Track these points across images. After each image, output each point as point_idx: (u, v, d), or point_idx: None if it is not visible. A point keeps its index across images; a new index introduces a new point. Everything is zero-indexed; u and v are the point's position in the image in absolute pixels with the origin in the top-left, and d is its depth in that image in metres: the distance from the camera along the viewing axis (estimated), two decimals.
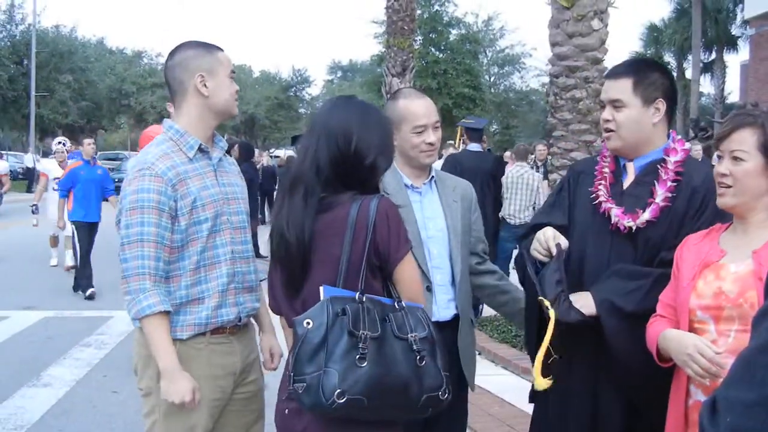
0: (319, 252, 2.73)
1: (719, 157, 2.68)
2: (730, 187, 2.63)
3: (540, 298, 3.00)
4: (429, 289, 3.47)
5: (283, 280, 2.82)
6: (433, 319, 3.44)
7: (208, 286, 3.16)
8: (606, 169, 3.28)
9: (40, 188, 14.34)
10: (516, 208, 10.84)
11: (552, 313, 2.93)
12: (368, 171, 2.78)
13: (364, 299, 2.62)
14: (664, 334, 2.66)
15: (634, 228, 3.10)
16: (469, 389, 3.70)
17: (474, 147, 9.96)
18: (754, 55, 28.35)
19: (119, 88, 57.53)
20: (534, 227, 3.32)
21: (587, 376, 3.15)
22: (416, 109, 3.55)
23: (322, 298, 2.61)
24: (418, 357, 2.64)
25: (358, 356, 2.52)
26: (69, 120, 52.17)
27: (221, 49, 3.30)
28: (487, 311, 8.42)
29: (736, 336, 2.53)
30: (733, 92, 46.30)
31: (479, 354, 7.24)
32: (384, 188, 3.52)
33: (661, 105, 3.17)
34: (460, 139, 13.45)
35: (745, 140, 2.58)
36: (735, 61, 49.43)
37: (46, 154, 36.42)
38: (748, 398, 1.37)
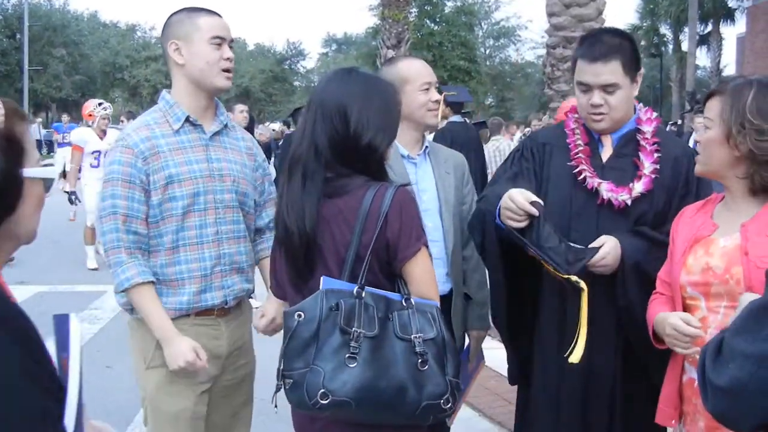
0: (326, 239, 2.54)
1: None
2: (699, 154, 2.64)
3: (566, 276, 2.82)
4: None
5: (287, 267, 2.64)
6: None
7: (187, 267, 3.05)
8: (580, 142, 3.17)
9: (74, 168, 10.96)
10: None
11: (584, 286, 2.81)
12: (366, 149, 2.54)
13: (363, 294, 2.43)
14: (655, 320, 2.63)
15: (629, 202, 3.03)
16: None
17: (456, 118, 9.89)
18: (750, 28, 28.23)
19: (113, 61, 57.36)
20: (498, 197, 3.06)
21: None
22: (419, 67, 3.54)
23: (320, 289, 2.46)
24: (419, 360, 2.41)
25: (347, 355, 2.34)
26: (63, 94, 52.05)
27: (211, 14, 3.11)
28: None
29: (726, 312, 2.46)
30: (730, 65, 46.21)
31: None
32: None
33: (639, 77, 3.13)
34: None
35: (712, 108, 2.55)
36: (732, 33, 49.36)
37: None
38: (747, 350, 1.49)
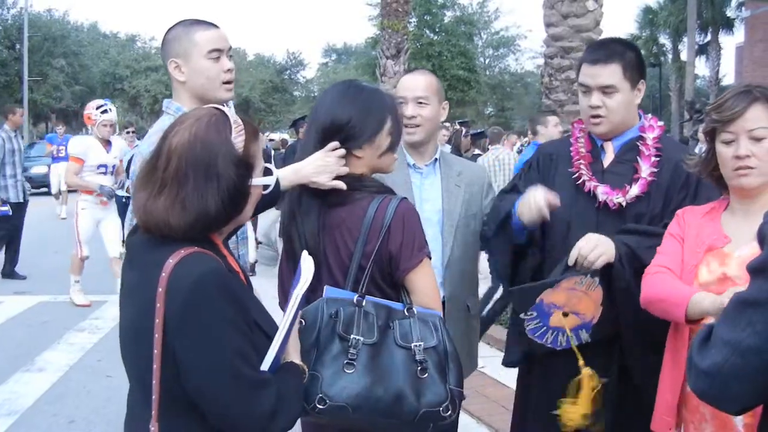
0: (330, 249, 2.61)
1: (728, 141, 2.57)
2: (752, 168, 2.54)
3: (581, 364, 2.96)
4: None
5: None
6: None
7: None
8: (582, 149, 3.28)
9: (77, 183, 9.33)
10: (496, 190, 10.82)
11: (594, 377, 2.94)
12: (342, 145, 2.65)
13: (363, 303, 2.49)
14: (692, 300, 2.48)
15: (624, 204, 3.10)
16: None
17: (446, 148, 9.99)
18: (749, 37, 28.35)
19: (113, 72, 57.27)
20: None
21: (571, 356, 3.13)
22: (402, 82, 3.64)
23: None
24: (419, 368, 2.45)
25: (345, 362, 2.39)
26: (62, 105, 52.02)
27: (206, 26, 3.14)
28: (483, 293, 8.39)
29: None
30: (728, 74, 46.27)
31: None
32: None
33: (642, 86, 3.23)
34: None
35: (761, 117, 2.52)
36: (730, 42, 49.45)
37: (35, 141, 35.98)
38: (726, 336, 1.62)
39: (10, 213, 11.04)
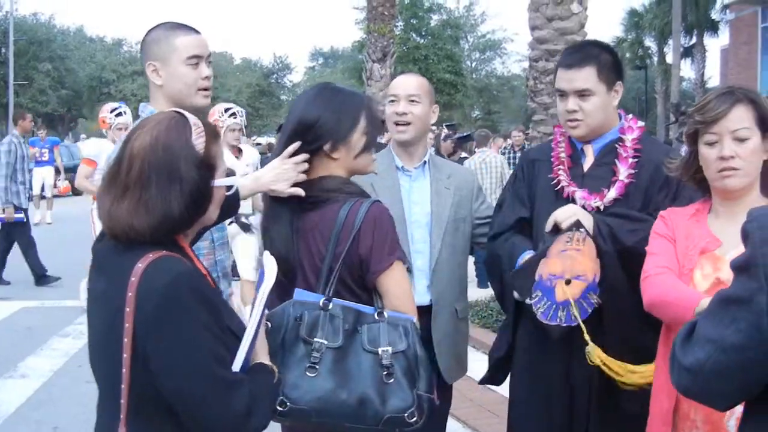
0: (305, 252, 2.61)
1: (711, 143, 2.56)
2: (736, 169, 2.53)
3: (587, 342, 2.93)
4: (409, 270, 3.44)
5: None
6: None
7: None
8: (562, 154, 3.28)
9: (86, 186, 8.88)
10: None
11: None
12: (315, 146, 2.64)
13: (330, 306, 2.48)
14: (703, 303, 2.40)
15: (602, 207, 3.11)
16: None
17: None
18: (733, 40, 28.48)
19: (99, 76, 57.05)
20: (505, 228, 3.35)
21: (562, 356, 3.14)
22: (395, 82, 3.69)
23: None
24: (385, 373, 2.42)
25: (308, 365, 2.38)
26: (48, 109, 51.78)
27: (187, 31, 3.11)
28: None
29: None
30: (714, 77, 46.40)
31: None
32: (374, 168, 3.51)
33: (619, 87, 3.23)
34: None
35: (744, 117, 2.52)
36: (715, 45, 49.69)
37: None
38: (709, 334, 1.63)
39: (24, 220, 11.07)
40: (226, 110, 8.17)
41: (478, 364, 4.46)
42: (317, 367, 2.38)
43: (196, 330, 1.93)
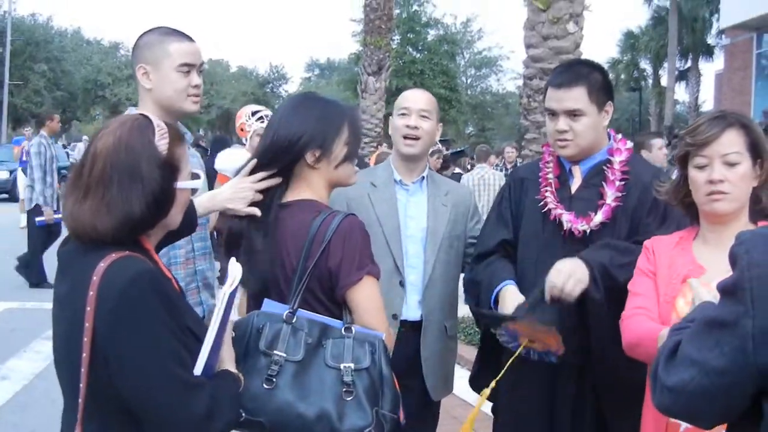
0: (278, 263, 2.56)
1: (702, 166, 2.54)
2: (725, 193, 2.52)
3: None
4: (402, 284, 3.46)
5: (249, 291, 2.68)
6: (402, 318, 3.42)
7: None
8: (550, 175, 3.24)
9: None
10: (480, 210, 10.82)
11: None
12: (297, 155, 2.60)
13: (294, 319, 2.43)
14: (660, 335, 2.44)
15: (588, 231, 3.07)
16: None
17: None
18: (728, 65, 28.56)
19: (95, 79, 57.03)
20: (487, 250, 3.33)
21: (545, 378, 3.12)
22: (405, 95, 3.66)
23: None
24: (344, 390, 2.37)
25: (265, 377, 2.35)
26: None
27: (181, 38, 3.09)
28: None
29: None
30: (708, 101, 46.65)
31: None
32: (373, 180, 3.49)
33: (610, 108, 3.19)
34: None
35: (735, 142, 2.51)
36: (710, 69, 49.76)
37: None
38: (693, 355, 1.62)
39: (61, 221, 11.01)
40: (254, 113, 7.10)
41: (462, 381, 4.42)
42: (274, 379, 2.35)
43: (156, 329, 1.91)
